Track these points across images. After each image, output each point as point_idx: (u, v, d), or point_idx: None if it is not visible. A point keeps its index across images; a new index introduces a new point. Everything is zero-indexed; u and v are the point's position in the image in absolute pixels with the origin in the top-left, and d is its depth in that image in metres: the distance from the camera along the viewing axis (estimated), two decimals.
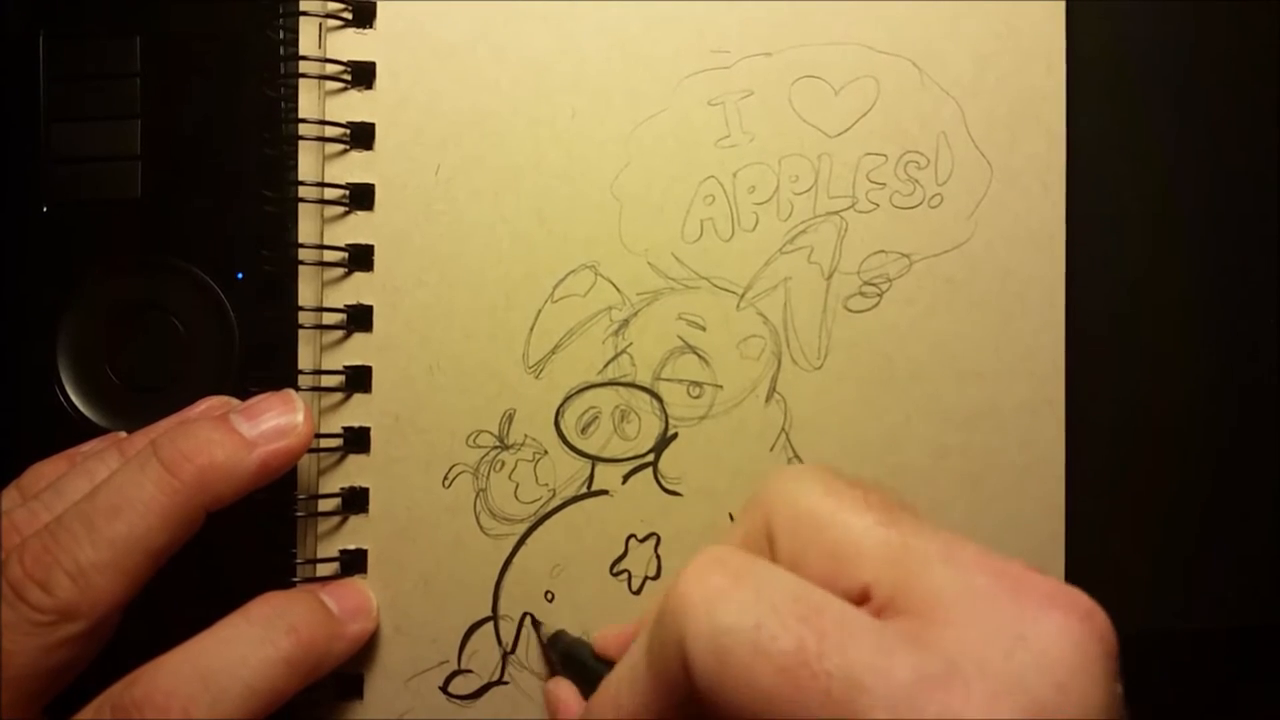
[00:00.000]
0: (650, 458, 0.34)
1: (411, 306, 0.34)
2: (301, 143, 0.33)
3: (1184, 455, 0.36)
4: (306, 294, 0.33)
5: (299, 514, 0.33)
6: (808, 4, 0.34)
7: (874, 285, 0.34)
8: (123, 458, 0.30)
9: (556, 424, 0.34)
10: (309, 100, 0.33)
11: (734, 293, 0.34)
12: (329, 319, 0.34)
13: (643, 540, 0.34)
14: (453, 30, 0.34)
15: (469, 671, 0.34)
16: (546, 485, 0.34)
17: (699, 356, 0.34)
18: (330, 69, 0.33)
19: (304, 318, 0.33)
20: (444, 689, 0.34)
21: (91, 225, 0.35)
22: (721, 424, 0.34)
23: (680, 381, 0.34)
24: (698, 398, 0.34)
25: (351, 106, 0.33)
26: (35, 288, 0.35)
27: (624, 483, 0.34)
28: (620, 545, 0.34)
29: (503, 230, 0.34)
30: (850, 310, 0.34)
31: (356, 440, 0.34)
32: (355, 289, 0.34)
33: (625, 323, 0.34)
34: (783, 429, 0.34)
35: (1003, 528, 0.34)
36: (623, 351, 0.34)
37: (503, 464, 0.34)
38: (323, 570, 0.34)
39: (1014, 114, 0.34)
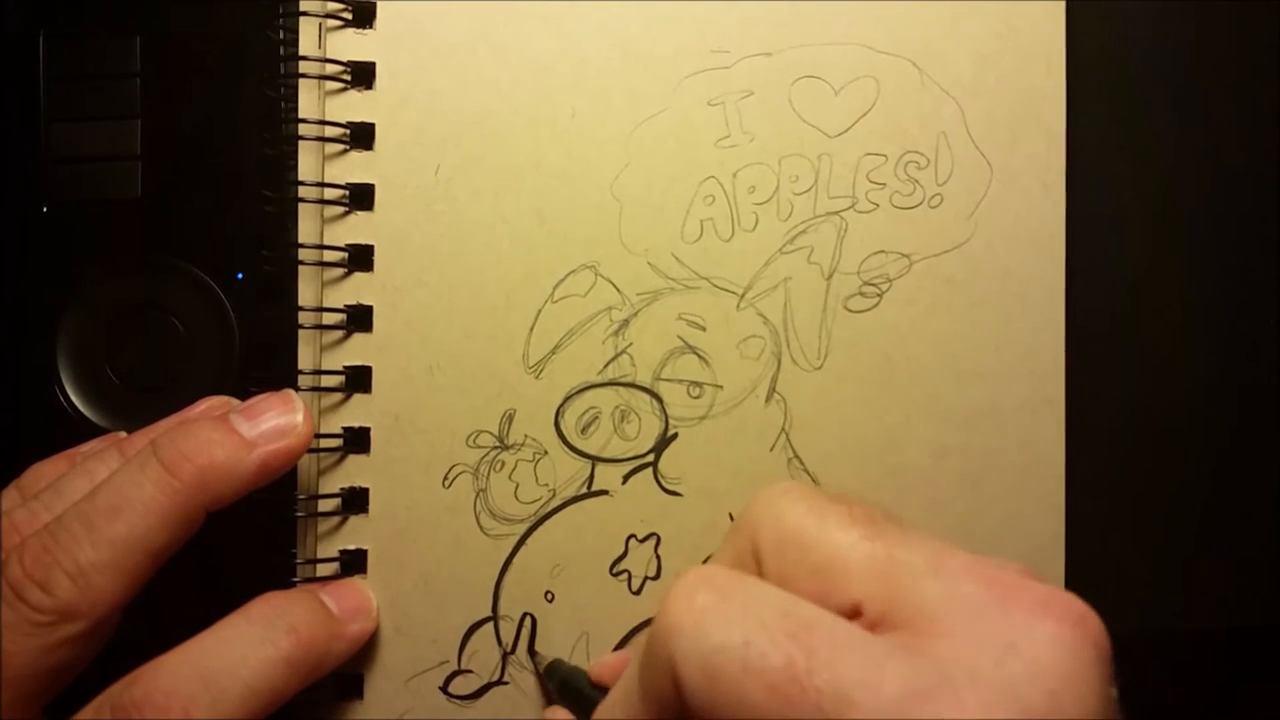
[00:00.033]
0: (650, 458, 0.34)
1: (411, 306, 0.34)
2: (301, 143, 0.33)
3: (1184, 455, 0.36)
4: (306, 294, 0.33)
5: (299, 514, 0.33)
6: (808, 4, 0.34)
7: (874, 285, 0.34)
8: (123, 458, 0.30)
9: (556, 424, 0.34)
10: (309, 100, 0.33)
11: (734, 293, 0.34)
12: (329, 319, 0.34)
13: (643, 540, 0.34)
14: (453, 30, 0.34)
15: (469, 672, 0.34)
16: (546, 485, 0.34)
17: (699, 357, 0.34)
18: (330, 69, 0.33)
19: (304, 318, 0.33)
20: (444, 689, 0.34)
21: (91, 225, 0.34)
22: (721, 424, 0.34)
23: (680, 382, 0.34)
24: (698, 398, 0.34)
25: (351, 106, 0.33)
26: (35, 288, 0.34)
27: (624, 483, 0.34)
28: (620, 545, 0.34)
29: (503, 230, 0.34)
30: (850, 310, 0.34)
31: (356, 440, 0.34)
32: (355, 289, 0.34)
33: (625, 323, 0.34)
34: (783, 429, 0.34)
35: (1003, 528, 0.34)
36: (623, 352, 0.34)
37: (503, 464, 0.34)
38: (323, 570, 0.34)
39: (1014, 114, 0.34)
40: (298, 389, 0.33)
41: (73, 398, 0.34)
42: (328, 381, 0.34)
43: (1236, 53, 0.36)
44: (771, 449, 0.34)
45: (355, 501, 0.34)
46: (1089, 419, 0.35)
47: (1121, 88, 0.35)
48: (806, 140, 0.34)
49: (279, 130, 0.33)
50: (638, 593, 0.34)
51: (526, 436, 0.34)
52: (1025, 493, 0.34)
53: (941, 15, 0.34)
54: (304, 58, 0.33)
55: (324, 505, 0.34)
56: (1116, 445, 0.36)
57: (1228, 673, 0.36)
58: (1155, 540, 0.36)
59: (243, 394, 0.32)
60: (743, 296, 0.34)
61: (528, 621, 0.34)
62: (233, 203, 0.34)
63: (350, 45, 0.33)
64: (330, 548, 0.34)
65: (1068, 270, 0.34)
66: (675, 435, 0.34)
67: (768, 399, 0.34)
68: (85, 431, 0.34)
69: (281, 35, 0.33)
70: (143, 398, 0.34)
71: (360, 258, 0.34)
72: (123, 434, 0.33)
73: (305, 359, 0.33)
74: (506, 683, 0.34)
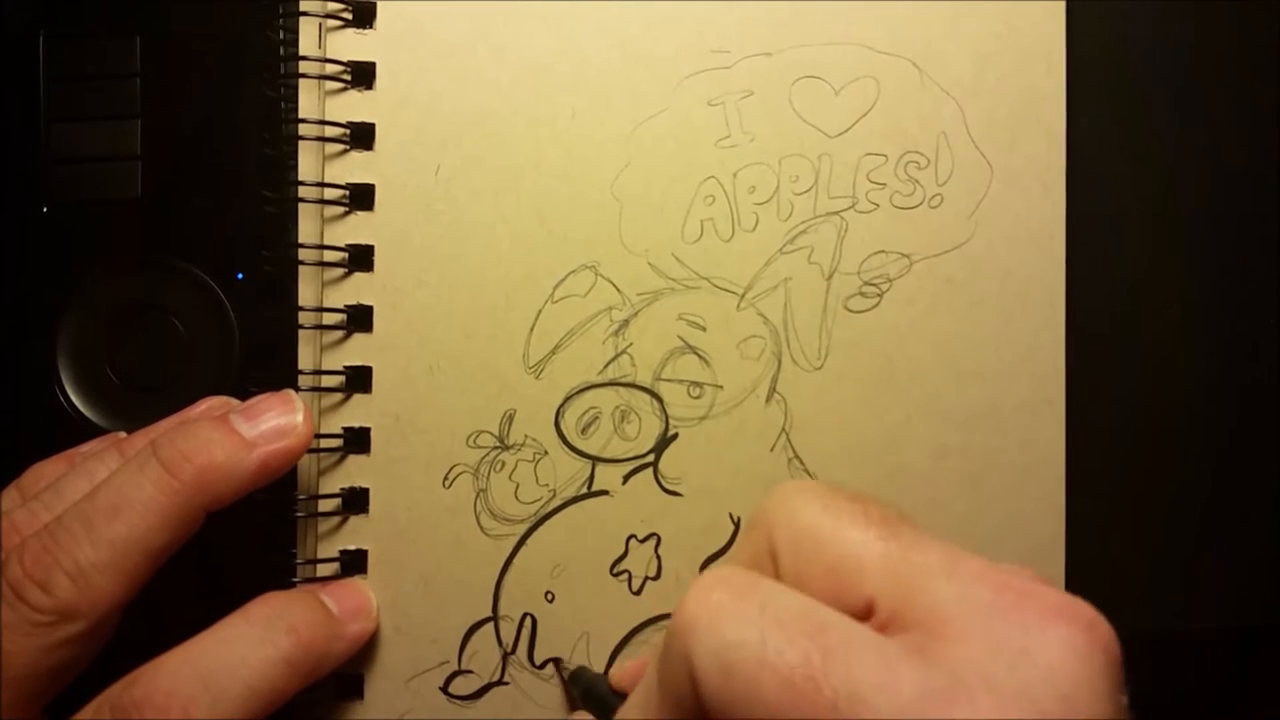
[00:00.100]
0: (650, 458, 0.34)
1: (411, 306, 0.34)
2: (301, 143, 0.33)
3: (1184, 455, 0.36)
4: (306, 294, 0.33)
5: (299, 514, 0.33)
6: (808, 4, 0.34)
7: (874, 285, 0.34)
8: (122, 458, 0.30)
9: (557, 424, 0.34)
10: (309, 100, 0.33)
11: (734, 293, 0.34)
12: (329, 319, 0.34)
13: (643, 540, 0.34)
14: (453, 30, 0.34)
15: (469, 672, 0.34)
16: (547, 485, 0.34)
17: (699, 357, 0.34)
18: (330, 69, 0.33)
19: (304, 318, 0.33)
20: (444, 689, 0.34)
21: (91, 225, 0.34)
22: (722, 424, 0.34)
23: (680, 382, 0.34)
24: (698, 398, 0.34)
25: (351, 106, 0.33)
26: (35, 288, 0.34)
27: (624, 483, 0.34)
28: (620, 545, 0.34)
29: (503, 230, 0.34)
30: (850, 310, 0.34)
31: (356, 440, 0.34)
32: (355, 289, 0.34)
33: (625, 323, 0.34)
34: (783, 429, 0.34)
35: (1003, 528, 0.34)
36: (623, 352, 0.34)
37: (503, 464, 0.34)
38: (323, 570, 0.34)
39: (1014, 114, 0.34)
40: (298, 389, 0.33)
41: (73, 398, 0.34)
42: (328, 381, 0.34)
43: (1236, 53, 0.36)
44: (772, 449, 0.34)
45: (355, 501, 0.34)
46: (1089, 419, 0.35)
47: (1121, 88, 0.35)
48: (807, 140, 0.34)
49: (279, 130, 0.33)
50: (638, 593, 0.34)
51: (527, 437, 0.34)
52: (1025, 493, 0.34)
53: (941, 15, 0.34)
54: (304, 58, 0.33)
55: (324, 505, 0.34)
56: (1116, 445, 0.36)
57: (1228, 673, 0.36)
58: (1155, 540, 0.36)
59: (243, 394, 0.32)
60: (743, 296, 0.34)
61: (528, 622, 0.34)
62: (233, 203, 0.34)
63: (350, 45, 0.33)
64: (330, 548, 0.34)
65: (1068, 270, 0.34)
66: (675, 435, 0.34)
67: (768, 399, 0.34)
68: (85, 431, 0.34)
69: (281, 35, 0.33)
70: (143, 398, 0.34)
71: (360, 258, 0.34)
72: (123, 434, 0.33)
73: (305, 359, 0.33)
74: (507, 683, 0.34)
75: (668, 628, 0.21)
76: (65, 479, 0.30)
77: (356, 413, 0.34)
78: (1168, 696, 0.36)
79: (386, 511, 0.34)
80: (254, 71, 0.34)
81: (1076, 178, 0.34)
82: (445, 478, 0.34)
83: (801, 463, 0.34)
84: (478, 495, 0.34)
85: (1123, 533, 0.36)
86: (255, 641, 0.28)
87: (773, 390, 0.34)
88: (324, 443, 0.33)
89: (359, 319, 0.34)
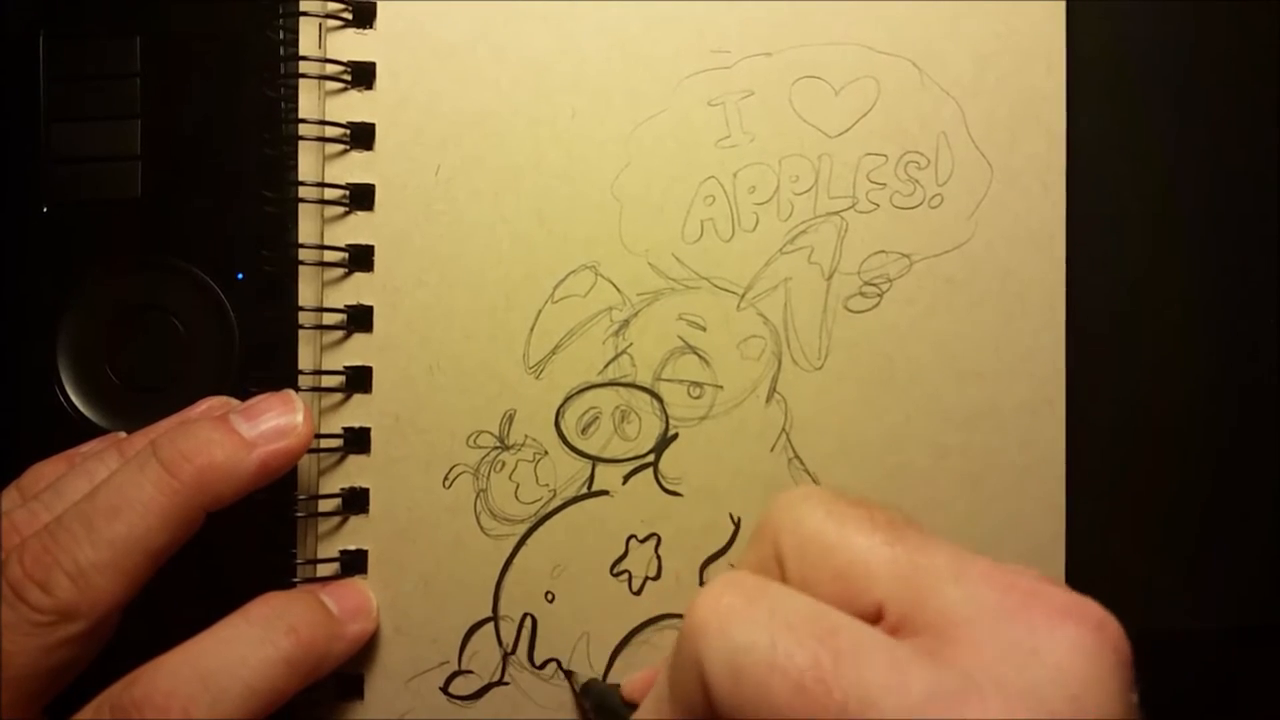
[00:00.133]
0: (650, 458, 0.34)
1: (411, 306, 0.34)
2: (301, 143, 0.33)
3: (1184, 455, 0.36)
4: (306, 294, 0.33)
5: (299, 514, 0.33)
6: (808, 4, 0.34)
7: (874, 285, 0.34)
8: (122, 458, 0.30)
9: (557, 424, 0.34)
10: (309, 100, 0.33)
11: (734, 293, 0.34)
12: (329, 319, 0.34)
13: (643, 540, 0.34)
14: (453, 30, 0.34)
15: (469, 672, 0.34)
16: (547, 485, 0.34)
17: (699, 357, 0.34)
18: (330, 69, 0.33)
19: (304, 318, 0.33)
20: (444, 689, 0.34)
21: (91, 225, 0.35)
22: (722, 424, 0.34)
23: (680, 382, 0.34)
24: (698, 398, 0.34)
25: (351, 106, 0.33)
26: (35, 288, 0.35)
27: (624, 483, 0.34)
28: (621, 545, 0.34)
29: (503, 230, 0.34)
30: (850, 310, 0.34)
31: (356, 440, 0.34)
32: (355, 289, 0.34)
33: (625, 323, 0.34)
34: (783, 429, 0.34)
35: (1003, 528, 0.34)
36: (623, 352, 0.34)
37: (503, 464, 0.34)
38: (323, 570, 0.34)
39: (1014, 114, 0.34)
40: (298, 389, 0.33)
41: (73, 398, 0.34)
42: (328, 381, 0.34)
43: (1236, 53, 0.36)
44: (772, 449, 0.34)
45: (355, 502, 0.34)
46: (1089, 419, 0.35)
47: (1121, 88, 0.35)
48: (807, 140, 0.34)
49: (279, 130, 0.33)
50: (638, 593, 0.34)
51: (527, 437, 0.34)
52: (1025, 493, 0.34)
53: (941, 15, 0.34)
54: (304, 58, 0.33)
55: (324, 505, 0.34)
56: (1116, 445, 0.36)
57: (1228, 673, 0.36)
58: (1155, 540, 0.36)
59: (243, 394, 0.32)
60: (743, 296, 0.34)
61: (528, 622, 0.34)
62: (233, 203, 0.34)
63: (350, 45, 0.33)
64: (330, 548, 0.34)
65: (1068, 270, 0.34)
66: (675, 435, 0.34)
67: (768, 399, 0.34)
68: (85, 431, 0.34)
69: (281, 35, 0.33)
70: (143, 398, 0.34)
71: (360, 258, 0.34)
72: (123, 434, 0.33)
73: (305, 359, 0.33)
74: (507, 683, 0.34)
75: (679, 632, 0.21)
76: (65, 479, 0.30)
77: (356, 413, 0.34)
78: (1168, 696, 0.36)
79: (386, 511, 0.34)
80: (254, 71, 0.34)
81: (1076, 178, 0.34)
82: (445, 478, 0.34)
83: (802, 463, 0.34)
84: (478, 495, 0.34)
85: (1123, 533, 0.36)
86: (255, 641, 0.28)
87: (773, 390, 0.34)
88: (324, 443, 0.33)
89: (359, 319, 0.34)
